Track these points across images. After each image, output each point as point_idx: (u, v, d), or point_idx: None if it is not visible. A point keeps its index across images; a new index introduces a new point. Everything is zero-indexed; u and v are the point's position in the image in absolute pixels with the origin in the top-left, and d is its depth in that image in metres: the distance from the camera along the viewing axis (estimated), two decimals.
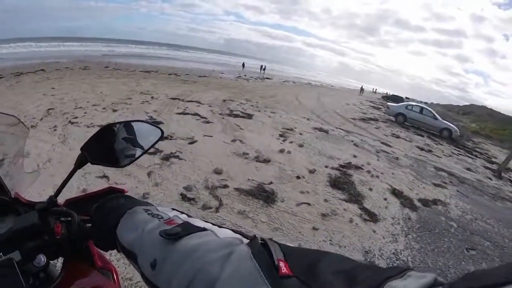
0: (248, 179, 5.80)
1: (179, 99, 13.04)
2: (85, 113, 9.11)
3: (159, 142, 0.94)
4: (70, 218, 0.84)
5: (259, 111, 13.28)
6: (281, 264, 0.40)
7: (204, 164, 6.20)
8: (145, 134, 0.93)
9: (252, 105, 14.40)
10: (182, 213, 0.65)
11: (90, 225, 0.80)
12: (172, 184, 5.21)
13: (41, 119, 7.99)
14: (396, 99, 42.59)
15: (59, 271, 0.87)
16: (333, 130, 11.94)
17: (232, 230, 0.53)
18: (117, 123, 0.91)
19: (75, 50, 48.58)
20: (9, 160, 1.17)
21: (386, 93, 58.62)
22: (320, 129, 11.47)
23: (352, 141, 10.64)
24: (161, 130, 0.92)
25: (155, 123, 0.98)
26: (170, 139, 7.41)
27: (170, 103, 11.95)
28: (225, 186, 5.38)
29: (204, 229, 0.53)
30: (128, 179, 5.16)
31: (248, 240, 0.48)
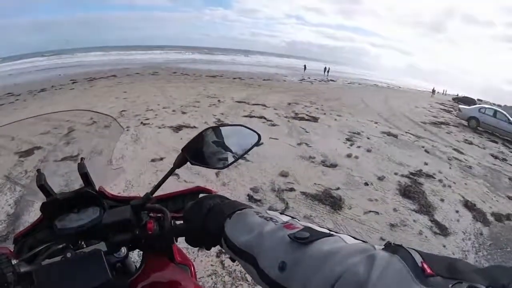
0: (315, 183, 5.71)
1: (245, 102, 13.13)
2: (156, 115, 9.57)
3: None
4: (161, 215, 0.86)
5: (325, 114, 12.87)
6: (425, 265, 0.42)
7: (271, 167, 6.17)
8: (243, 138, 0.95)
9: (317, 108, 14.02)
10: (293, 217, 0.65)
11: (181, 222, 0.83)
12: (239, 185, 5.33)
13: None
14: (468, 101, 38.45)
15: (138, 263, 0.94)
16: (402, 134, 11.06)
17: (352, 237, 0.54)
18: (217, 126, 0.94)
19: (144, 58, 52.25)
20: (99, 156, 1.25)
21: (457, 95, 53.83)
22: (389, 133, 10.68)
23: (422, 147, 9.72)
24: (258, 135, 0.92)
25: (252, 129, 0.95)
26: None
27: (236, 106, 12.06)
28: (291, 190, 5.38)
29: (331, 235, 0.54)
30: (197, 178, 5.28)
31: (381, 246, 0.50)
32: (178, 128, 8.27)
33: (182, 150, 0.89)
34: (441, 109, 24.79)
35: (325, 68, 48.62)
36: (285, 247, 0.54)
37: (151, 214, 0.89)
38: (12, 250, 0.98)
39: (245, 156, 1.09)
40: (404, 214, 5.18)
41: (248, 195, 5.03)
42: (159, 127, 8.20)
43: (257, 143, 0.92)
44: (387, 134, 10.68)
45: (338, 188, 5.65)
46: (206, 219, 0.73)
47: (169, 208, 0.92)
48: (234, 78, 25.42)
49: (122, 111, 9.93)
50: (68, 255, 0.82)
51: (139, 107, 10.72)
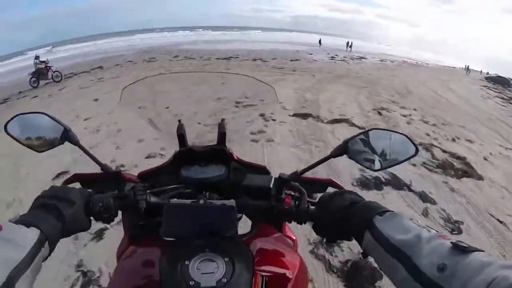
0: None
1: (311, 115, 6.97)
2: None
3: None
4: (299, 195, 0.86)
5: (453, 140, 6.66)
6: None
7: None
8: (402, 147, 0.85)
9: (421, 120, 8.05)
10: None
11: (314, 208, 0.83)
12: None
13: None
14: (502, 81, 30.44)
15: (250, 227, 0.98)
16: None
17: None
18: (381, 129, 0.85)
19: (140, 43, 46.06)
20: (238, 120, 1.44)
21: (487, 73, 45.32)
22: None
23: None
24: (416, 148, 0.82)
25: (412, 141, 0.82)
26: None
27: (304, 133, 5.83)
28: None
29: (482, 250, 0.56)
30: None
31: None
32: None
33: (344, 140, 0.84)
34: (490, 94, 17.58)
35: (348, 43, 43.80)
36: (447, 252, 0.57)
37: (287, 191, 0.87)
38: (139, 180, 0.99)
39: None
40: None
41: None
42: None
43: (413, 157, 0.84)
44: None
45: None
46: (349, 211, 0.74)
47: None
48: (254, 60, 19.35)
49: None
50: (201, 201, 0.84)
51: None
